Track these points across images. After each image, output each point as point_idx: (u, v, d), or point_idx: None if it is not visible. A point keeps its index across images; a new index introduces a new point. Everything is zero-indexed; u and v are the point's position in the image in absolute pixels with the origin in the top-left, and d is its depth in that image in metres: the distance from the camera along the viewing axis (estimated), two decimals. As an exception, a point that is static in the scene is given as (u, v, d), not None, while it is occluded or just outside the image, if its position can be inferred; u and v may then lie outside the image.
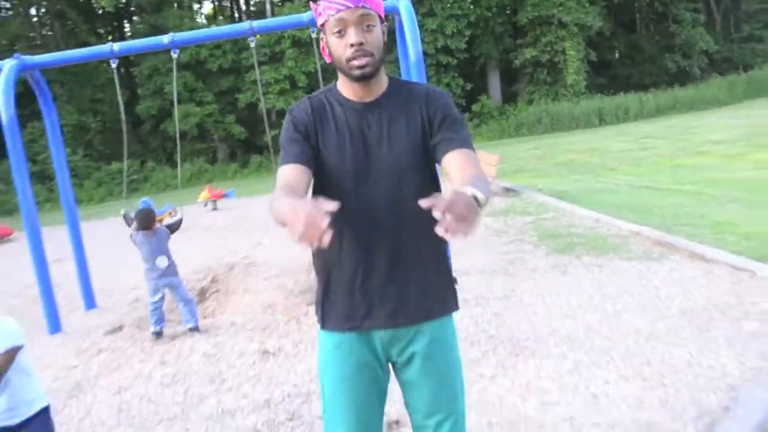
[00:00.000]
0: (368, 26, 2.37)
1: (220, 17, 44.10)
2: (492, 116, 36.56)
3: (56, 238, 12.76)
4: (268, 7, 36.46)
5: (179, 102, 32.03)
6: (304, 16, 8.13)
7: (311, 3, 2.54)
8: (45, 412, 3.23)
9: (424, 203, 1.91)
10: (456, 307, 2.63)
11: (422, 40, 35.79)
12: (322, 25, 2.42)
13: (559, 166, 18.52)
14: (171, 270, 7.05)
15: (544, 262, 7.78)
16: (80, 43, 33.58)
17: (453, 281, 2.67)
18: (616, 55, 42.41)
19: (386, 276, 2.50)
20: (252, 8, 44.20)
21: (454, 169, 2.38)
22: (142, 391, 5.60)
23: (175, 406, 5.17)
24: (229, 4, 47.03)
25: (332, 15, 2.36)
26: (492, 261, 8.17)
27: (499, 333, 5.69)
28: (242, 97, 33.46)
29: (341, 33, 2.37)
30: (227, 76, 34.24)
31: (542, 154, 22.79)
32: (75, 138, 32.82)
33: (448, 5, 35.82)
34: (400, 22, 8.09)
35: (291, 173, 2.38)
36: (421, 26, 34.56)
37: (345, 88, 2.53)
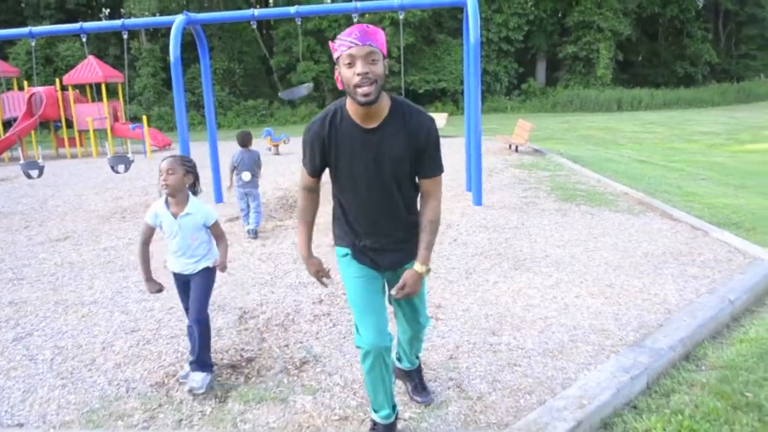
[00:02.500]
0: (373, 60, 2.33)
1: (340, -2, 43.65)
2: (535, 95, 35.52)
3: (201, 151, 13.13)
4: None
5: (302, 59, 32.01)
6: (394, 1, 8.09)
7: (330, 42, 2.49)
8: (210, 270, 3.45)
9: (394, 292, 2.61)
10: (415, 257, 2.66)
11: (489, 30, 34.97)
12: (337, 58, 2.39)
13: (579, 138, 18.07)
14: (252, 183, 6.82)
15: (551, 206, 7.73)
16: (235, 8, 33.74)
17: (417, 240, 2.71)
18: (639, 57, 40.50)
19: (379, 243, 2.68)
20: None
21: (423, 193, 2.62)
22: (245, 262, 5.87)
23: (266, 275, 5.41)
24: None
25: (344, 51, 2.34)
26: (513, 200, 8.15)
27: (506, 252, 5.74)
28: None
29: (351, 65, 2.34)
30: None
31: (568, 127, 22.21)
32: (224, 78, 33.10)
33: (514, 5, 34.51)
34: (467, 13, 7.94)
35: (309, 182, 2.68)
36: (489, 19, 34.04)
37: (352, 109, 2.50)
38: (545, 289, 4.70)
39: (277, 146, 15.81)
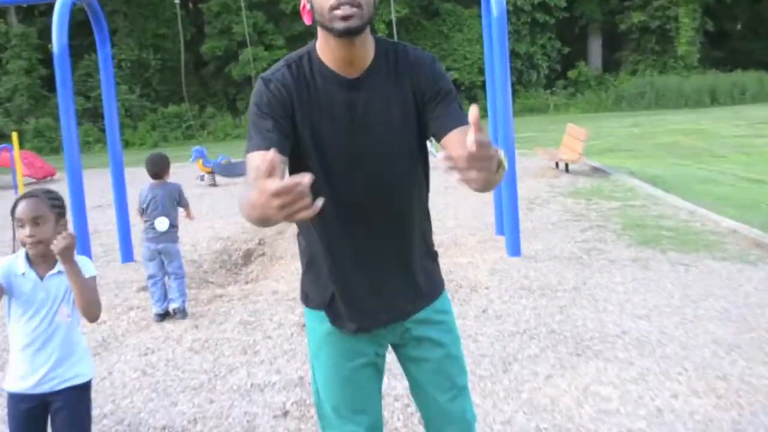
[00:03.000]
0: None
1: (299, -47, 44.36)
2: (589, 85, 36.06)
3: (102, 182, 13.12)
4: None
5: (246, 45, 32.33)
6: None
7: None
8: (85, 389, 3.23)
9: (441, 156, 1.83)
10: (443, 286, 2.66)
11: (518, -5, 35.42)
12: None
13: (658, 148, 18.18)
14: (170, 236, 6.62)
15: (624, 254, 7.68)
16: (148, -28, 34.30)
17: (437, 259, 2.70)
18: (738, 26, 41.12)
19: (383, 270, 2.54)
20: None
21: (458, 146, 2.22)
22: (170, 354, 5.74)
23: (202, 374, 5.28)
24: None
25: None
26: (566, 247, 8.11)
27: (562, 328, 5.64)
28: (315, 43, 33.53)
29: None
30: (301, 19, 34.30)
31: (641, 132, 22.40)
32: (133, 75, 33.48)
33: (551, -44, 35.29)
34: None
35: (264, 165, 2.23)
36: (516, -24, 34.58)
37: (327, 53, 2.40)
38: (625, 385, 4.59)
39: (212, 173, 15.76)
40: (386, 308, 2.56)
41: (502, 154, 2.10)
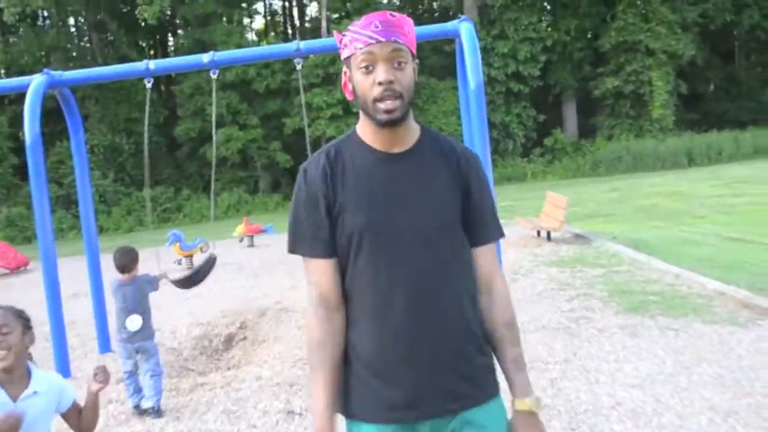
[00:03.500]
0: (399, 63, 2.34)
1: (272, 33, 44.69)
2: (566, 152, 36.35)
3: (77, 270, 12.97)
4: (323, 24, 36.28)
5: (221, 126, 32.47)
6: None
7: (335, 33, 2.52)
8: None
9: None
10: (497, 390, 2.49)
11: (492, 65, 36.01)
12: (348, 58, 2.39)
13: (638, 211, 18.27)
14: (145, 333, 6.41)
15: (612, 322, 7.64)
16: (119, 57, 34.55)
17: (492, 359, 2.54)
18: (711, 87, 41.84)
19: (431, 351, 2.39)
20: (307, 24, 44.73)
21: (485, 273, 2.50)
22: (150, 450, 5.60)
23: (185, 470, 5.15)
24: (282, 20, 47.76)
25: (360, 48, 2.33)
26: (553, 318, 8.07)
27: (554, 403, 5.57)
28: (289, 121, 33.46)
29: (369, 69, 2.34)
30: (275, 98, 34.53)
31: (620, 196, 22.54)
32: (106, 160, 33.48)
33: (522, 27, 35.81)
34: (461, 45, 8.08)
35: (327, 279, 2.43)
36: (491, 50, 35.23)
37: (369, 134, 2.47)
38: (623, 458, 4.52)
39: (190, 256, 15.70)
40: (446, 393, 2.40)
41: (534, 402, 2.44)
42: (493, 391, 2.47)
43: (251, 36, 43.49)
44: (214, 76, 8.33)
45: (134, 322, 6.31)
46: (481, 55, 7.99)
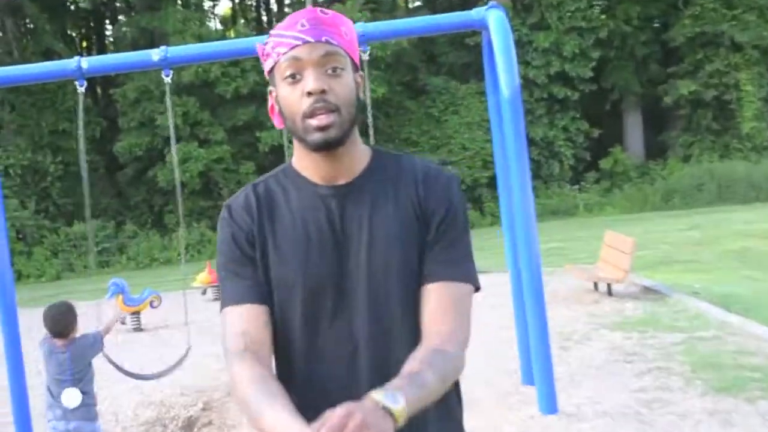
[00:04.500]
0: (334, 69, 2.34)
1: (241, 21, 44.91)
2: (629, 178, 36.36)
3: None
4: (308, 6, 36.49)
5: (176, 141, 32.36)
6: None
7: (257, 45, 2.52)
8: None
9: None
10: None
11: (529, 64, 36.45)
12: (271, 70, 2.42)
13: (726, 257, 18.26)
14: (85, 412, 6.39)
15: (697, 405, 7.59)
16: (42, 51, 34.71)
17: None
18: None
19: None
20: (287, 9, 44.74)
21: (427, 316, 2.39)
22: None
23: None
24: (254, 3, 48.01)
25: (284, 53, 2.36)
26: (618, 399, 8.02)
27: None
28: (266, 136, 33.37)
29: (295, 78, 2.35)
30: (246, 105, 34.38)
31: (702, 237, 22.52)
32: (26, 184, 33.46)
33: (568, 15, 36.14)
34: (490, 40, 8.06)
35: (249, 326, 2.38)
36: (528, 44, 35.41)
37: (305, 165, 2.50)
38: None
39: (137, 313, 15.61)
40: None
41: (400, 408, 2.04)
42: None
43: (214, 24, 43.73)
44: (167, 79, 8.28)
45: (71, 397, 6.27)
46: (516, 51, 7.94)
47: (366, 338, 2.40)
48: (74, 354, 6.38)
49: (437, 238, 2.45)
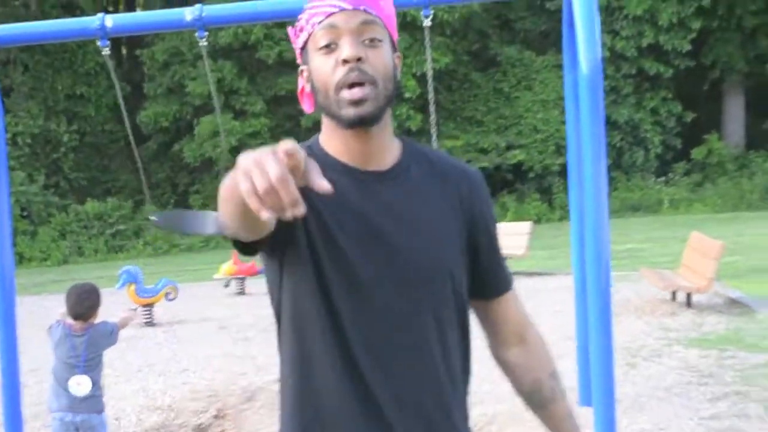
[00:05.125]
0: (372, 40, 2.40)
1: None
2: (725, 171, 35.97)
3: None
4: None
5: (208, 112, 32.46)
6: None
7: (288, 28, 2.60)
8: None
9: None
10: None
11: (618, 34, 36.39)
12: (304, 46, 2.49)
13: (834, 267, 18.13)
14: (93, 403, 6.62)
15: (781, 442, 7.59)
16: (63, 4, 34.97)
17: None
18: None
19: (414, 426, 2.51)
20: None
21: (511, 326, 2.76)
22: None
23: None
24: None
25: (319, 22, 2.42)
26: (688, 426, 8.02)
27: None
28: (310, 108, 33.42)
29: (330, 48, 2.40)
30: (290, 73, 33.76)
31: (806, 242, 22.37)
32: (35, 155, 33.63)
33: (664, -25, 35.68)
34: (570, 4, 8.05)
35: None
36: (617, 9, 35.15)
37: (335, 145, 2.56)
38: None
39: (150, 305, 15.72)
40: None
41: None
42: None
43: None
44: (202, 42, 8.31)
45: (81, 384, 6.49)
46: (603, 18, 7.92)
47: (415, 342, 2.52)
48: (91, 339, 6.62)
49: (490, 243, 2.68)
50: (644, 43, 35.54)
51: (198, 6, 8.14)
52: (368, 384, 2.47)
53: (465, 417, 2.68)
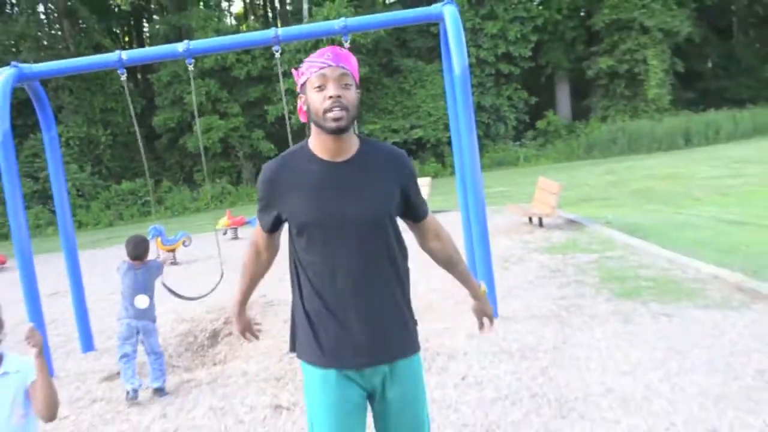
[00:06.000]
0: (346, 84, 3.01)
1: (251, 17, 44.56)
2: (559, 135, 36.41)
3: (56, 268, 13.01)
4: (305, 6, 36.07)
5: (201, 114, 32.38)
6: (335, 24, 8.27)
7: (293, 70, 3.15)
8: None
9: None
10: (417, 348, 3.28)
11: (481, 47, 36.02)
12: (304, 84, 3.07)
13: (633, 195, 18.41)
14: (149, 313, 6.78)
15: (604, 309, 7.75)
16: (92, 45, 34.49)
17: (414, 324, 3.32)
18: (708, 65, 41.90)
19: (354, 322, 3.10)
20: (288, 6, 44.36)
21: (431, 233, 3.40)
22: (137, 446, 5.70)
23: (172, 466, 5.26)
24: (261, 2, 47.55)
25: (315, 72, 3.01)
26: (544, 305, 8.17)
27: (544, 391, 5.69)
28: (272, 109, 33.43)
29: (321, 88, 3.00)
30: (256, 84, 34.34)
31: (615, 180, 22.66)
32: (83, 152, 33.35)
33: (512, 6, 35.77)
34: (444, 29, 8.16)
35: (259, 240, 3.42)
36: (479, 30, 35.26)
37: (318, 146, 3.12)
38: (613, 445, 4.64)
39: (172, 251, 15.69)
40: (369, 352, 3.11)
41: (483, 287, 3.61)
42: (416, 346, 3.27)
43: (230, 20, 43.34)
44: (190, 67, 8.42)
45: (143, 301, 6.70)
46: (470, 36, 8.15)
47: (364, 259, 3.11)
48: (147, 271, 6.86)
49: (414, 196, 3.27)
50: (499, 52, 35.56)
51: (186, 42, 8.35)
52: (340, 286, 3.10)
53: (408, 303, 3.29)
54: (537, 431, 5.00)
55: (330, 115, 2.96)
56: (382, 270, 3.13)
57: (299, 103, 3.12)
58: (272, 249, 3.46)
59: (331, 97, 2.97)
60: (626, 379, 5.75)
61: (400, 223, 3.25)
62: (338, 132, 3.00)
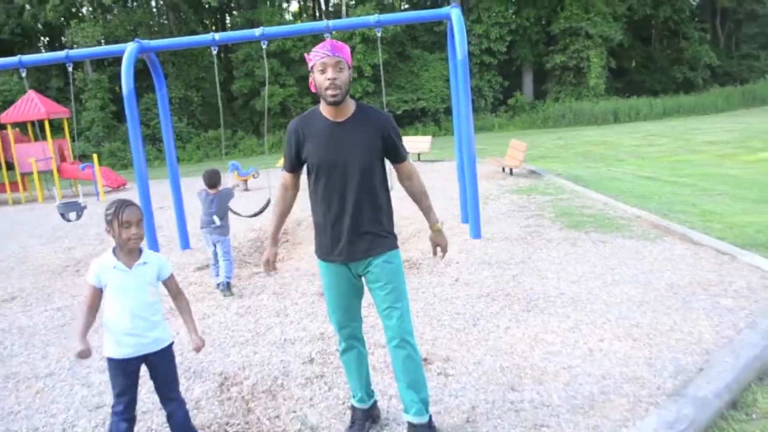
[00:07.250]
0: (340, 69, 3.09)
1: (304, 15, 43.83)
2: (524, 110, 35.93)
3: (161, 190, 13.01)
4: (343, 8, 36.08)
5: (266, 84, 31.98)
6: (371, 19, 8.11)
7: (305, 55, 3.16)
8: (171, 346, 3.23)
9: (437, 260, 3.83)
10: (392, 248, 3.28)
11: (469, 43, 35.34)
12: (312, 66, 3.11)
13: (577, 156, 18.20)
14: (223, 230, 6.58)
15: (558, 235, 7.69)
16: (189, 31, 33.92)
17: (392, 234, 3.32)
18: (633, 63, 41.24)
19: (349, 228, 3.18)
20: (330, 8, 43.83)
21: (405, 174, 3.37)
22: (222, 318, 5.71)
23: (247, 333, 5.26)
24: (312, 4, 46.77)
25: (318, 59, 3.08)
26: (514, 231, 8.10)
27: (515, 292, 5.66)
28: (317, 82, 33.05)
29: (323, 71, 3.08)
30: (304, 63, 33.88)
31: (564, 144, 22.41)
32: (181, 108, 33.08)
33: (494, 14, 35.05)
34: (451, 26, 7.97)
35: (286, 180, 3.38)
36: (469, 31, 34.42)
37: (324, 110, 3.21)
38: (564, 333, 4.61)
39: (246, 181, 15.66)
40: (353, 251, 3.21)
41: (440, 224, 3.46)
42: (392, 247, 3.28)
43: (288, 16, 42.58)
44: (264, 46, 8.31)
45: (217, 220, 6.55)
46: (462, 36, 7.89)
47: (352, 190, 3.16)
48: (221, 198, 6.62)
49: (394, 145, 3.25)
50: (483, 47, 34.87)
51: (261, 27, 8.11)
52: (335, 207, 3.19)
53: (386, 221, 3.29)
54: (510, 320, 4.97)
55: (329, 92, 3.06)
56: (365, 197, 3.17)
57: (310, 79, 3.17)
58: (295, 187, 3.41)
59: (329, 79, 3.05)
60: (574, 286, 5.70)
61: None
62: (335, 104, 3.10)
